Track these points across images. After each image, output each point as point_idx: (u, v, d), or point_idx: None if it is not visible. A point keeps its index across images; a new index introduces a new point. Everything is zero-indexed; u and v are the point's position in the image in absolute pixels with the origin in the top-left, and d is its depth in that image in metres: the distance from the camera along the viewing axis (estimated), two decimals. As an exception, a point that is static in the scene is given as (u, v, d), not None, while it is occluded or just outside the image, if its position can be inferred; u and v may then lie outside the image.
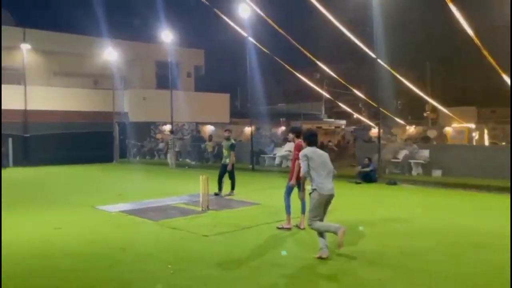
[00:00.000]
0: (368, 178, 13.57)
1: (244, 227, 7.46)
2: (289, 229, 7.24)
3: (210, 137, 24.08)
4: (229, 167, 11.23)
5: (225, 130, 12.10)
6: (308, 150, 5.99)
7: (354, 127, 31.67)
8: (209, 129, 31.00)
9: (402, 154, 15.31)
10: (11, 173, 19.29)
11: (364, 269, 5.24)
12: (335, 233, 5.60)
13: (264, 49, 21.02)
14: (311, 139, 6.17)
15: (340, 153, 20.71)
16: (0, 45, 18.64)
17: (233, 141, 11.59)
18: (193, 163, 22.25)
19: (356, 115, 34.91)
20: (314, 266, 5.36)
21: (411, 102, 32.98)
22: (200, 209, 9.09)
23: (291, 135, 7.81)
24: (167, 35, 22.04)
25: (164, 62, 25.56)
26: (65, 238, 6.89)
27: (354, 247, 6.17)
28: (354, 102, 35.52)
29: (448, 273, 5.05)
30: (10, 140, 22.10)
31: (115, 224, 8.03)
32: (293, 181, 7.32)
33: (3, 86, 24.89)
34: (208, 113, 29.37)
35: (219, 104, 30.73)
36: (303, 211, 7.38)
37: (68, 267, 5.39)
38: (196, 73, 33.41)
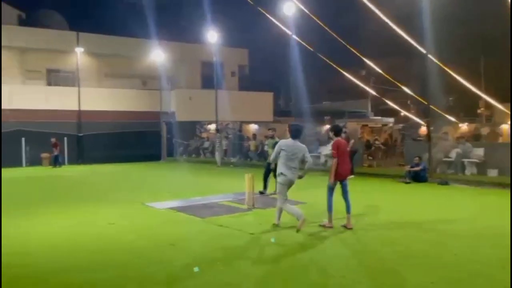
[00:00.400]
0: (418, 177, 13.12)
1: (290, 226, 7.41)
2: (330, 227, 7.17)
3: (254, 136, 24.21)
4: (272, 166, 11.23)
5: (269, 129, 12.12)
6: (283, 142, 7.32)
7: (402, 125, 30.68)
8: (252, 128, 31.15)
9: (454, 153, 14.67)
10: (66, 171, 20.31)
11: (414, 270, 5.05)
12: (297, 218, 6.97)
13: (308, 47, 20.83)
14: (294, 133, 7.35)
15: (387, 152, 20.18)
16: (0, 45, 19.51)
17: (277, 140, 11.57)
18: (233, 161, 22.42)
19: (404, 113, 33.82)
20: (360, 266, 5.24)
21: (464, 98, 31.51)
22: (245, 207, 9.14)
23: (330, 133, 7.77)
24: (212, 35, 22.35)
25: (209, 62, 25.94)
26: (118, 234, 7.15)
27: (403, 247, 5.98)
28: (402, 99, 34.41)
29: (503, 276, 4.77)
30: (65, 139, 23.26)
31: (164, 220, 8.23)
32: (331, 180, 7.26)
33: (59, 88, 26.26)
34: (251, 112, 29.51)
35: (262, 103, 30.78)
36: (348, 211, 7.29)
37: (123, 262, 5.58)
38: (240, 72, 33.66)
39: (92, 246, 6.39)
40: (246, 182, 9.20)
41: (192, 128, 28.89)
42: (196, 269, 5.09)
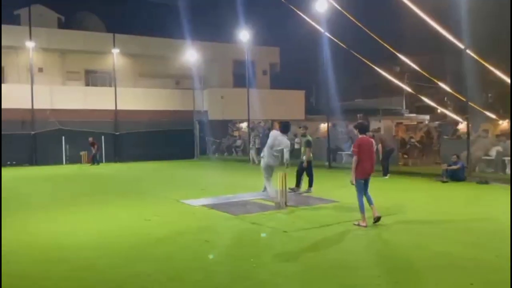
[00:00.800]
0: (455, 176, 12.74)
1: (323, 224, 7.39)
2: (364, 226, 7.12)
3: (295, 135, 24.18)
4: (304, 164, 11.23)
5: (300, 127, 12.12)
6: (273, 133, 9.61)
7: (438, 122, 29.82)
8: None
9: (494, 151, 14.14)
10: (103, 169, 20.96)
11: (452, 271, 4.93)
12: (272, 199, 9.11)
13: (341, 44, 20.56)
14: (283, 128, 9.65)
15: (423, 150, 19.67)
16: (0, 46, 20.14)
17: (309, 138, 11.53)
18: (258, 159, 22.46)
19: (441, 110, 32.86)
20: (396, 267, 5.16)
21: (504, 94, 30.27)
22: (278, 205, 9.16)
23: (355, 131, 7.86)
24: (244, 35, 22.45)
25: (241, 61, 26.09)
26: (154, 230, 7.33)
27: (442, 248, 5.84)
28: (438, 96, 33.45)
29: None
30: (102, 138, 23.99)
31: (198, 217, 8.37)
32: (352, 178, 7.36)
33: (96, 88, 27.10)
34: (283, 110, 29.45)
35: (294, 101, 30.67)
36: (370, 203, 7.36)
37: (158, 257, 5.72)
38: (272, 70, 33.65)
39: (128, 241, 6.58)
40: (279, 180, 9.21)
41: (224, 127, 29.16)
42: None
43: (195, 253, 5.88)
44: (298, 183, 11.33)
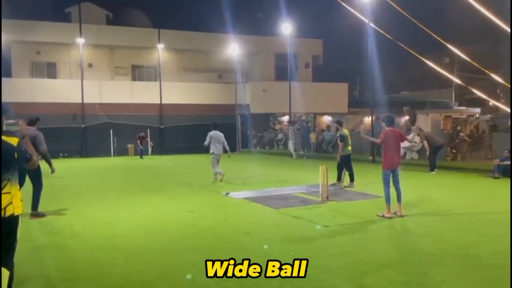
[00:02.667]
0: (507, 172, 12.09)
1: (365, 220, 7.25)
2: (389, 218, 7.21)
3: (328, 128, 23.92)
4: (337, 159, 11.25)
5: (335, 122, 12.19)
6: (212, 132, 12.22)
7: (490, 115, 28.38)
8: (326, 119, 30.69)
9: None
10: (149, 161, 21.61)
11: (504, 271, 4.70)
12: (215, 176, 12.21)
13: (386, 35, 19.98)
14: (213, 127, 12.33)
15: (473, 144, 18.80)
16: (0, 44, 20.79)
17: (343, 132, 11.38)
18: (295, 153, 22.33)
19: (493, 102, 31.25)
20: (444, 264, 4.98)
21: None
22: (319, 199, 9.09)
23: (383, 124, 8.00)
24: (286, 28, 22.31)
25: (283, 54, 25.97)
26: (197, 221, 7.48)
27: (495, 246, 5.57)
28: (490, 88, 31.82)
29: None
30: (148, 131, 24.71)
31: (240, 210, 8.46)
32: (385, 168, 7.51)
33: (142, 83, 27.91)
34: (326, 103, 29.10)
35: (337, 93, 30.19)
36: (399, 200, 7.39)
37: (200, 247, 5.84)
38: (314, 63, 33.26)
39: (173, 231, 6.76)
40: (320, 174, 9.13)
41: (266, 120, 29.20)
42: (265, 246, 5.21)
43: (236, 245, 5.94)
44: (339, 177, 11.30)
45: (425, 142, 14.38)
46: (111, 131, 24.78)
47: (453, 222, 7.14)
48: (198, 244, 6.02)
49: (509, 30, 15.31)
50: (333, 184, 10.87)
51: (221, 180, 12.12)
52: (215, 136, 12.16)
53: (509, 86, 22.93)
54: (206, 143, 12.18)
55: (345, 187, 11.02)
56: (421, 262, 5.10)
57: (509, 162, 12.19)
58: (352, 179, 11.23)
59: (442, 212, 7.79)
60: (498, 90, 33.88)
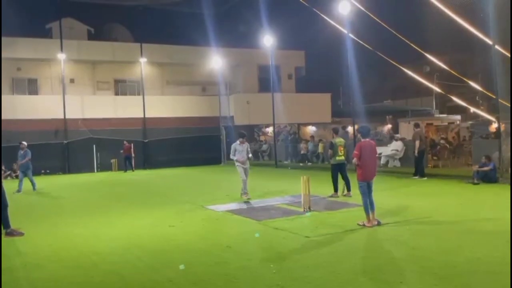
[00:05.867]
0: (487, 178, 12.31)
1: (346, 229, 7.28)
2: (370, 227, 7.33)
3: (312, 138, 24.08)
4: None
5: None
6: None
7: (470, 122, 28.91)
8: (310, 129, 30.90)
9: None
10: (133, 175, 21.41)
11: (481, 277, 4.76)
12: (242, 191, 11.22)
13: (366, 45, 20.30)
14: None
15: (454, 151, 19.11)
16: (0, 55, 20.81)
17: (334, 140, 11.39)
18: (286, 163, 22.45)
19: (473, 109, 31.85)
20: (424, 272, 5.02)
21: (540, 91, 29.02)
22: (302, 210, 9.11)
23: (358, 135, 8.07)
24: (268, 40, 22.50)
25: (266, 65, 26.14)
26: (178, 235, 7.42)
27: (471, 253, 5.64)
28: (470, 95, 32.47)
29: None
30: (132, 145, 24.51)
31: (222, 223, 8.43)
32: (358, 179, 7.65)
33: (125, 97, 27.76)
34: (309, 114, 29.29)
35: (320, 104, 30.43)
36: (372, 208, 7.50)
37: (181, 263, 5.78)
38: (297, 74, 33.54)
39: (153, 247, 6.69)
40: (302, 184, 9.16)
41: (250, 132, 29.25)
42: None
43: (217, 259, 5.91)
44: (335, 189, 11.18)
45: (417, 142, 14.50)
46: (94, 146, 24.52)
47: (431, 229, 7.21)
48: (177, 259, 5.97)
49: (485, 38, 15.69)
50: (331, 196, 10.90)
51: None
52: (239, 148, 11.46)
53: (488, 93, 23.41)
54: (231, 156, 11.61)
55: (330, 196, 11.01)
56: (398, 270, 5.13)
57: (487, 168, 12.41)
58: (335, 189, 11.20)
59: (421, 220, 7.88)
60: (477, 97, 34.57)
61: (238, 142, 11.48)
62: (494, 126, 21.72)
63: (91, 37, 29.75)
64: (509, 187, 11.64)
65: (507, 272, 4.88)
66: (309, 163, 22.25)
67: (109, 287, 4.97)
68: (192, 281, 5.04)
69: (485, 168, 12.44)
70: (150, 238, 7.31)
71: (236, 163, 11.36)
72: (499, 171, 12.58)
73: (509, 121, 14.62)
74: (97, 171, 24.38)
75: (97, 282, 5.14)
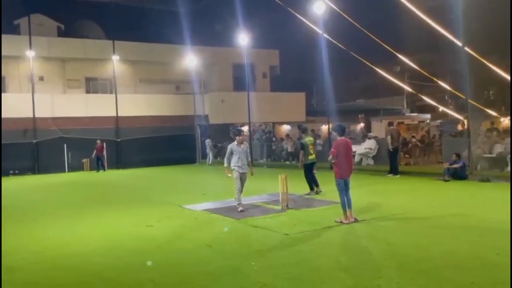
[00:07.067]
0: (457, 175, 12.74)
1: (324, 226, 7.40)
2: (347, 223, 7.47)
3: (287, 137, 24.25)
4: (300, 166, 11.55)
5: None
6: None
7: (440, 121, 29.81)
8: (285, 128, 31.10)
9: (496, 148, 14.14)
10: (106, 175, 21.03)
11: (454, 271, 4.94)
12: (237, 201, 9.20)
13: (340, 45, 20.62)
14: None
15: (425, 149, 19.65)
16: (0, 54, 20.34)
17: (303, 140, 11.50)
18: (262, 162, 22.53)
19: (442, 108, 32.85)
20: (398, 267, 5.16)
21: (505, 91, 30.21)
22: (280, 208, 9.19)
23: (334, 133, 8.37)
24: (242, 39, 22.51)
25: (241, 64, 26.13)
26: (156, 235, 7.35)
27: (444, 247, 5.85)
28: (439, 95, 33.47)
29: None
30: (104, 144, 24.05)
31: (200, 222, 8.40)
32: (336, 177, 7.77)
33: (97, 95, 27.19)
34: (284, 113, 29.48)
35: (295, 103, 30.68)
36: (349, 206, 7.65)
37: (161, 263, 5.75)
38: (272, 73, 33.70)
39: (132, 248, 6.62)
40: (280, 183, 9.24)
41: (226, 131, 29.18)
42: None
43: (198, 258, 5.91)
44: (310, 187, 11.32)
45: (389, 137, 14.84)
46: (65, 146, 23.92)
47: (406, 226, 7.42)
48: (158, 259, 5.93)
49: (454, 39, 16.20)
50: (308, 194, 11.03)
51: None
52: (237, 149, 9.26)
53: (456, 93, 24.18)
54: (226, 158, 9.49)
55: (306, 194, 11.16)
56: (375, 266, 5.26)
57: (457, 165, 12.83)
58: (311, 188, 11.36)
59: (396, 217, 8.09)
60: (446, 96, 35.65)
61: (235, 142, 9.29)
62: (464, 124, 22.47)
63: (61, 34, 29.01)
64: (477, 183, 12.10)
65: (479, 266, 5.09)
66: (287, 162, 22.40)
67: (89, 289, 4.89)
68: (174, 281, 5.03)
69: (455, 166, 12.86)
70: (129, 238, 7.22)
71: (232, 166, 9.22)
72: (468, 169, 13.03)
73: (472, 120, 15.05)
74: (68, 171, 23.80)
75: (78, 283, 5.05)
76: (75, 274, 5.37)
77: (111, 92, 27.11)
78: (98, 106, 25.64)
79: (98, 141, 23.04)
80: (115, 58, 26.50)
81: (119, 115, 25.68)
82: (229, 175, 9.20)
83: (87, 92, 27.95)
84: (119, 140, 25.49)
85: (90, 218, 9.27)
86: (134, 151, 25.14)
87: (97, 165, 22.85)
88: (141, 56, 28.13)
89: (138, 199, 12.05)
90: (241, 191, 9.21)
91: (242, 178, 9.23)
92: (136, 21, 30.53)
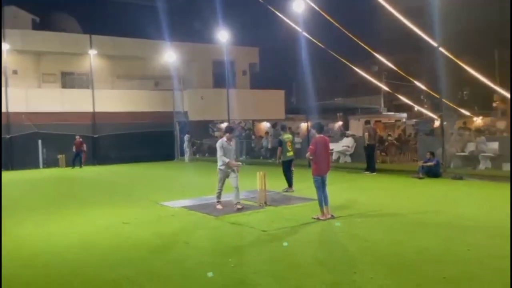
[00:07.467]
0: (431, 173, 13.03)
1: (301, 223, 7.47)
2: (324, 220, 7.55)
3: (267, 134, 24.33)
4: (277, 162, 11.76)
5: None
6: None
7: (415, 120, 30.40)
8: (264, 126, 31.16)
9: (469, 147, 14.52)
10: (82, 172, 20.66)
11: (428, 266, 5.06)
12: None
13: (319, 44, 20.78)
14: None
15: (401, 148, 20.01)
16: (0, 48, 19.88)
17: (282, 137, 11.60)
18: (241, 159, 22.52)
19: (417, 108, 33.51)
20: (372, 263, 5.26)
21: (478, 91, 31.05)
22: (258, 204, 9.22)
23: (313, 131, 8.30)
24: (222, 35, 22.44)
25: (220, 61, 26.03)
26: (133, 232, 7.28)
27: (418, 243, 5.98)
28: (415, 94, 34.12)
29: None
30: (82, 140, 23.59)
31: (177, 219, 8.35)
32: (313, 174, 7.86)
33: (73, 90, 26.65)
34: (263, 110, 29.53)
35: (274, 100, 30.75)
36: (326, 203, 7.73)
37: (137, 260, 5.70)
38: (251, 70, 33.70)
39: (108, 245, 6.54)
40: (258, 180, 9.27)
41: (205, 127, 29.05)
42: (210, 274, 5.08)
43: (175, 255, 5.88)
44: (289, 184, 11.40)
45: (366, 134, 15.08)
46: (40, 141, 23.38)
47: (381, 222, 7.55)
48: (134, 256, 5.87)
49: (429, 40, 16.53)
50: (286, 191, 11.09)
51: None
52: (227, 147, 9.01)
53: (432, 93, 24.72)
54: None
55: (284, 191, 11.22)
56: (351, 261, 5.35)
57: (431, 163, 13.13)
58: (289, 184, 11.44)
59: (372, 213, 8.22)
60: (421, 96, 36.37)
61: (225, 138, 9.06)
62: (437, 123, 22.99)
63: (37, 26, 28.28)
64: (451, 181, 12.40)
65: (451, 261, 5.23)
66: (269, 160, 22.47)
67: (63, 286, 4.81)
68: (149, 278, 4.99)
69: (430, 164, 13.15)
70: (105, 236, 7.12)
71: (219, 166, 8.91)
72: (442, 167, 13.34)
73: (444, 120, 15.40)
74: (43, 167, 23.29)
75: (49, 281, 4.96)
76: (45, 272, 5.27)
77: (88, 87, 26.61)
78: (75, 101, 25.14)
79: (77, 137, 22.58)
80: (92, 52, 26.03)
81: (96, 110, 25.25)
82: (239, 163, 9.31)
83: (63, 87, 27.33)
84: (96, 136, 25.07)
85: (65, 215, 9.10)
86: (111, 148, 24.78)
87: (74, 161, 22.40)
88: (119, 51, 27.68)
89: (115, 196, 11.90)
90: (221, 192, 9.12)
91: (229, 175, 8.96)
92: (114, 16, 30.00)
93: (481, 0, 28.42)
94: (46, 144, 23.48)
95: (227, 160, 8.80)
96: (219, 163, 8.92)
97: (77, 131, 23.48)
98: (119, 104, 26.07)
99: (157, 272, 5.18)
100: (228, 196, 10.40)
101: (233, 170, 8.94)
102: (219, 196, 9.13)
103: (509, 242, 5.84)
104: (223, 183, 9.06)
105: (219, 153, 8.88)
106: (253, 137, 26.72)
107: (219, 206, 9.04)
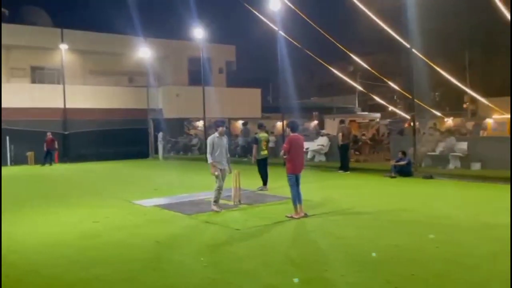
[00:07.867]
0: (403, 172, 13.25)
1: (275, 221, 7.46)
2: (297, 218, 7.55)
3: (242, 132, 24.27)
4: (252, 161, 11.73)
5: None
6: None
7: (389, 120, 30.94)
8: (240, 124, 31.10)
9: (439, 147, 14.85)
10: (52, 169, 20.12)
11: (397, 263, 5.13)
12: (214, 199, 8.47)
13: (295, 43, 20.87)
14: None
15: (375, 147, 20.32)
16: (0, 44, 19.36)
17: (258, 135, 11.64)
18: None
19: (391, 108, 34.12)
20: (342, 260, 5.29)
21: (449, 93, 31.88)
22: (232, 203, 9.16)
23: (287, 129, 8.39)
24: (199, 32, 22.24)
25: (196, 58, 25.82)
26: (103, 232, 7.11)
27: (389, 241, 6.05)
28: (389, 95, 34.75)
29: (484, 269, 4.87)
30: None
31: (150, 218, 8.21)
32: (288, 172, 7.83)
33: (43, 85, 25.93)
34: (240, 108, 29.48)
35: (250, 99, 30.75)
36: (299, 201, 7.71)
37: (107, 259, 5.56)
38: (228, 68, 33.57)
39: (77, 244, 6.36)
40: (233, 178, 9.21)
41: (180, 125, 28.75)
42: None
43: (146, 254, 5.76)
44: (264, 182, 11.40)
45: (340, 134, 15.21)
46: (8, 138, 22.63)
47: (354, 220, 7.62)
48: (104, 255, 5.73)
49: (402, 41, 16.83)
50: (260, 189, 11.07)
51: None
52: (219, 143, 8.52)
53: (404, 93, 25.20)
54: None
55: (259, 189, 11.21)
56: (323, 259, 5.37)
57: (403, 163, 13.36)
58: (264, 182, 11.45)
59: (345, 211, 8.29)
60: (395, 96, 37.08)
61: (216, 134, 8.49)
62: (409, 123, 23.42)
63: (6, 19, 27.35)
64: (422, 180, 12.65)
65: (420, 258, 5.31)
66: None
67: (30, 286, 4.63)
68: (121, 278, 4.87)
69: (401, 163, 13.38)
70: (75, 235, 6.92)
71: (210, 162, 8.41)
72: (413, 166, 13.60)
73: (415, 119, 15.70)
74: (11, 164, 22.56)
75: (14, 281, 4.77)
76: (11, 272, 5.07)
77: (59, 83, 25.94)
78: (45, 97, 24.47)
79: (49, 134, 21.93)
80: (64, 47, 25.39)
81: (67, 106, 24.63)
82: (216, 173, 8.30)
83: (33, 82, 26.59)
84: (66, 133, 24.48)
85: (33, 213, 8.83)
86: (83, 145, 24.22)
87: (45, 159, 21.78)
88: (91, 46, 27.10)
89: (86, 194, 11.62)
90: (221, 189, 8.40)
91: (222, 173, 8.46)
92: (87, 10, 29.38)
93: (452, 2, 29.13)
94: (14, 140, 22.76)
95: (210, 160, 8.30)
96: (209, 159, 8.40)
97: (48, 128, 22.85)
98: (92, 100, 25.53)
99: (129, 272, 5.06)
100: (200, 195, 10.30)
101: (223, 167, 8.49)
102: (218, 196, 8.46)
103: (475, 239, 5.99)
104: (221, 180, 8.42)
105: (208, 149, 8.39)
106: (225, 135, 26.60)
107: (216, 208, 8.37)
